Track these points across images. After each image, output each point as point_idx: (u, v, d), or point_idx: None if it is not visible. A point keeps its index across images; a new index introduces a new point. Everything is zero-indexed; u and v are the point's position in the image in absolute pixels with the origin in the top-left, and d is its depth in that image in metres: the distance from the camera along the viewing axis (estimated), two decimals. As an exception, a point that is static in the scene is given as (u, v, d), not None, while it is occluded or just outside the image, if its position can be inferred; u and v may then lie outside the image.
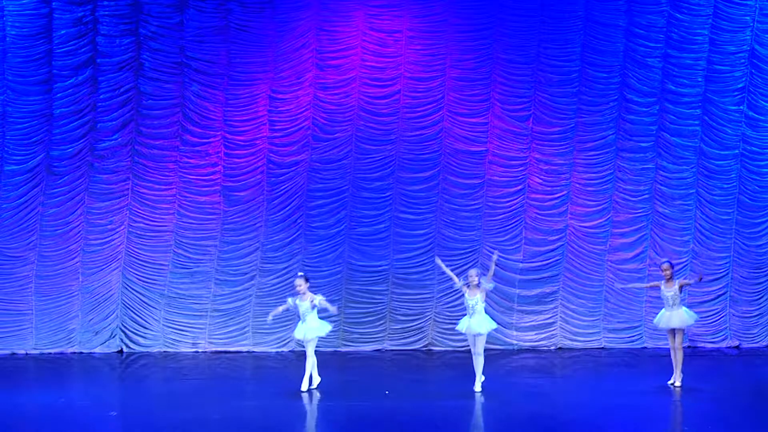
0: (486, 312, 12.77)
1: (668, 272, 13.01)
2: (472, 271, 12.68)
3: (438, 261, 13.74)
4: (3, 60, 15.67)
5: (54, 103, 15.83)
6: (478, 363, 12.60)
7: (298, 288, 12.79)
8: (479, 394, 12.38)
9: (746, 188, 16.87)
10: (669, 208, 16.82)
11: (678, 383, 12.95)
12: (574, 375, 14.76)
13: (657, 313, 16.74)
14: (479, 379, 12.60)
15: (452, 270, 16.32)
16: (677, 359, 13.03)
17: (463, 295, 12.85)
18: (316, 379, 12.84)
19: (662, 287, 13.14)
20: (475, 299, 12.54)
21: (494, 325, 12.95)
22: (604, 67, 16.53)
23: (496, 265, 12.86)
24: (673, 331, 13.08)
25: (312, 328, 12.76)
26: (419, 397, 12.37)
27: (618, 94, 16.58)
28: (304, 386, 12.66)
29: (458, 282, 12.73)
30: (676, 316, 13.05)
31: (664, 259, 13.55)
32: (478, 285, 12.52)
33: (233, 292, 16.31)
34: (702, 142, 16.75)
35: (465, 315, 12.80)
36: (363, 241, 16.51)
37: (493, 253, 13.36)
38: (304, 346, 13.13)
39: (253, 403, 12.09)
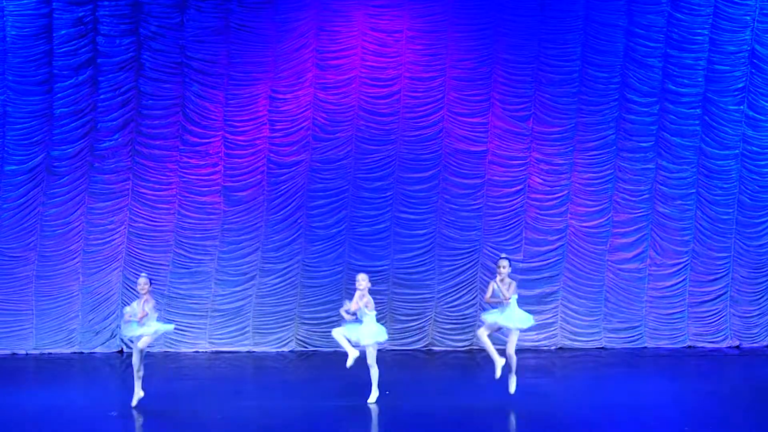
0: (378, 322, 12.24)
1: (507, 270, 12.00)
2: (360, 275, 12.12)
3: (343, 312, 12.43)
4: (3, 60, 15.67)
5: (54, 103, 15.82)
6: (373, 375, 12.07)
7: (140, 288, 11.78)
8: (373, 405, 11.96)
9: (746, 188, 16.88)
10: (669, 208, 16.83)
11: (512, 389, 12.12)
12: (574, 375, 14.77)
13: (657, 313, 16.94)
14: (375, 393, 12.06)
15: (453, 269, 16.50)
16: (510, 365, 12.10)
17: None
18: (139, 394, 11.88)
19: (496, 285, 12.07)
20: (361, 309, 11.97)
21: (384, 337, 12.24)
22: (605, 67, 16.52)
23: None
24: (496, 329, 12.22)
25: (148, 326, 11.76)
26: (419, 397, 12.37)
27: (618, 93, 16.58)
28: (133, 403, 11.71)
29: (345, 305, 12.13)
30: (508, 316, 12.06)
31: (503, 255, 12.46)
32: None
33: (233, 293, 16.30)
34: (702, 142, 16.75)
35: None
36: (363, 241, 16.51)
37: None
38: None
39: (253, 403, 12.09)
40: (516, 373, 12.20)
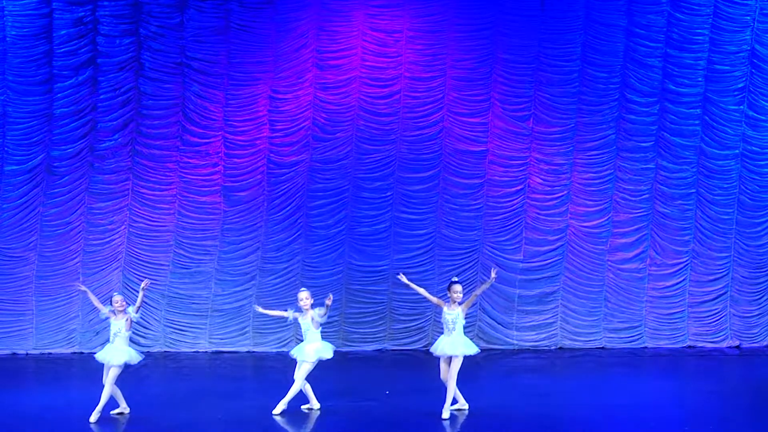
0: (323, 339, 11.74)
1: (459, 296, 11.38)
2: (302, 294, 11.64)
3: (259, 309, 12.18)
4: (3, 60, 15.67)
5: (54, 103, 15.83)
6: (306, 389, 11.69)
7: (116, 305, 11.35)
8: (277, 415, 11.43)
9: (746, 188, 16.89)
10: (669, 208, 16.84)
11: (446, 415, 11.18)
12: (574, 375, 14.75)
13: (657, 313, 16.94)
14: (282, 405, 11.45)
15: (453, 269, 16.48)
16: (449, 389, 11.26)
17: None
18: (126, 411, 11.54)
19: (444, 308, 11.51)
20: (306, 323, 11.58)
21: (329, 354, 11.67)
22: (605, 67, 16.53)
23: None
24: (448, 359, 11.37)
25: (119, 352, 11.44)
26: (419, 397, 12.36)
27: (618, 93, 16.59)
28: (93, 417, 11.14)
29: (290, 314, 11.66)
30: (452, 342, 11.40)
31: (456, 279, 11.72)
32: (311, 308, 11.53)
33: (233, 292, 16.31)
34: (702, 142, 16.77)
35: None
36: (363, 241, 16.51)
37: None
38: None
39: (253, 403, 12.09)
40: (453, 400, 11.40)
